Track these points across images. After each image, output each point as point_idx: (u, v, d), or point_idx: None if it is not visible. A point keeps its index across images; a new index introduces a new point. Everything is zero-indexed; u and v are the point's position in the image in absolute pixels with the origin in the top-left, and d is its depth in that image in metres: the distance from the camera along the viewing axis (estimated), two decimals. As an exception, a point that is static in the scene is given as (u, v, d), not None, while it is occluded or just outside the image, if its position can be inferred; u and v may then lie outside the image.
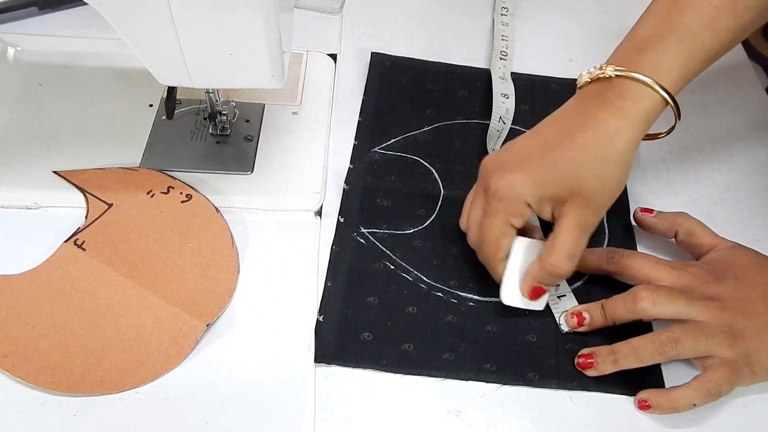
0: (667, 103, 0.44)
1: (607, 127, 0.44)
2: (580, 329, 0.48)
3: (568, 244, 0.45)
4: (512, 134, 0.61)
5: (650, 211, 0.52)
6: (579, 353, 0.47)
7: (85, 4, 0.42)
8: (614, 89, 0.45)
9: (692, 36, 0.45)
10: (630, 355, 0.45)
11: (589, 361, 0.46)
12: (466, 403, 0.45)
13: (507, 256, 0.47)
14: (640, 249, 0.54)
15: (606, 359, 0.46)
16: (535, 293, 0.47)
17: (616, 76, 0.45)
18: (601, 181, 0.44)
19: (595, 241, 0.54)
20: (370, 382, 0.46)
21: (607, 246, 0.54)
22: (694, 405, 0.44)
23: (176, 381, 0.45)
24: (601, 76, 0.45)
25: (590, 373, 0.46)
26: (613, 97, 0.45)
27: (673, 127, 0.48)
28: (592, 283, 0.51)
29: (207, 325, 0.46)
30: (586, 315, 0.47)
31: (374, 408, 0.45)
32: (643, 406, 0.45)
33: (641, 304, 0.45)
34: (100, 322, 0.46)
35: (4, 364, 0.44)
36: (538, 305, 0.48)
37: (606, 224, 0.55)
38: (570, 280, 0.51)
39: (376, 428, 0.44)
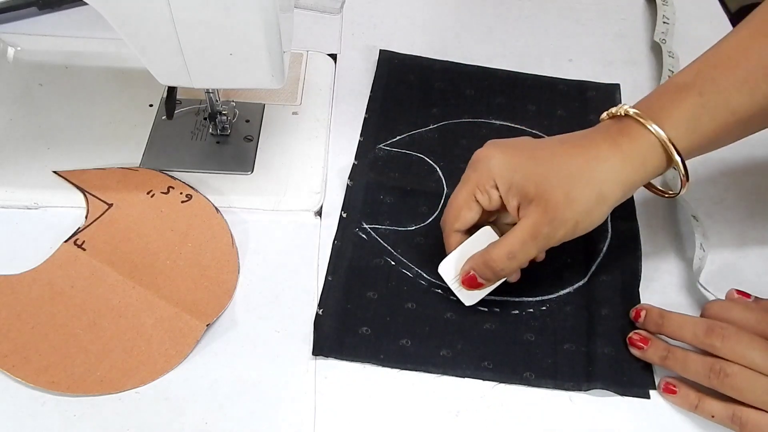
0: (666, 151, 0.43)
1: (598, 153, 0.44)
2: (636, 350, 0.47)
3: (514, 244, 0.45)
4: (513, 134, 0.61)
5: (747, 295, 0.49)
6: (636, 331, 0.47)
7: (85, 4, 0.42)
8: (620, 125, 0.45)
9: (716, 92, 0.43)
10: (679, 363, 0.45)
11: (641, 343, 0.46)
12: (466, 403, 0.45)
13: (467, 233, 0.48)
14: (645, 251, 0.53)
15: (656, 352, 0.46)
16: (469, 281, 0.47)
17: (626, 114, 0.45)
18: (567, 197, 0.43)
19: (596, 242, 0.54)
20: (370, 383, 0.46)
21: (608, 246, 0.53)
22: (713, 417, 0.44)
23: (176, 381, 0.45)
24: (618, 113, 0.45)
25: (633, 352, 0.47)
26: (615, 131, 0.45)
27: (680, 190, 0.46)
28: (592, 282, 0.51)
29: (207, 325, 0.46)
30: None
31: (374, 408, 0.45)
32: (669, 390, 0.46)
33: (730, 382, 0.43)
34: (100, 322, 0.46)
35: (4, 364, 0.44)
36: (466, 297, 0.48)
37: (609, 224, 0.55)
38: (572, 279, 0.51)
39: (376, 428, 0.44)
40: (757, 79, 0.43)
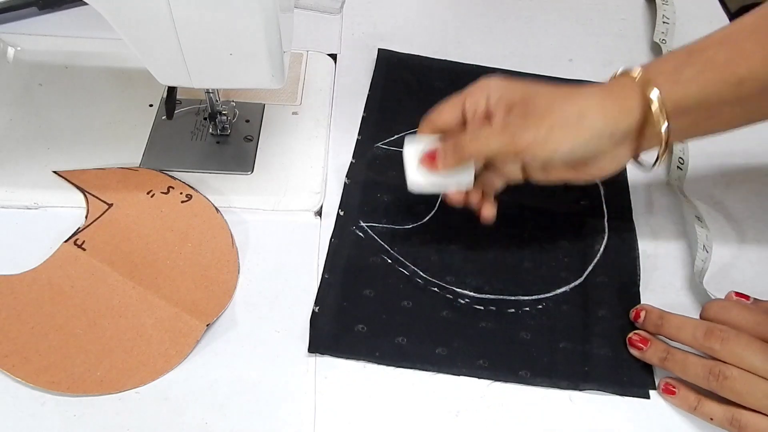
0: (644, 93, 0.43)
1: (593, 91, 0.45)
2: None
3: (483, 130, 0.45)
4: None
5: (746, 297, 0.48)
6: (635, 331, 0.47)
7: (85, 4, 0.42)
8: (622, 79, 0.45)
9: (712, 60, 0.43)
10: (678, 365, 0.45)
11: (640, 344, 0.47)
12: (466, 403, 0.45)
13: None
14: (645, 251, 0.53)
15: (656, 353, 0.46)
16: (429, 158, 0.47)
17: (624, 71, 0.46)
18: (548, 105, 0.44)
19: (593, 243, 0.54)
20: (370, 383, 0.46)
21: (605, 246, 0.53)
22: (711, 419, 0.44)
23: (176, 381, 0.45)
24: (625, 71, 0.46)
25: (633, 353, 0.47)
26: (617, 84, 0.45)
27: (657, 159, 0.46)
28: (590, 283, 0.51)
29: (207, 325, 0.46)
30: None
31: (374, 408, 0.45)
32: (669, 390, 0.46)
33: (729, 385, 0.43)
34: (100, 322, 0.46)
35: (4, 364, 0.44)
36: (414, 177, 0.48)
37: (606, 225, 0.55)
38: (568, 278, 0.51)
39: (376, 428, 0.44)
40: (755, 55, 0.42)
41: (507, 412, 0.45)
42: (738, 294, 0.49)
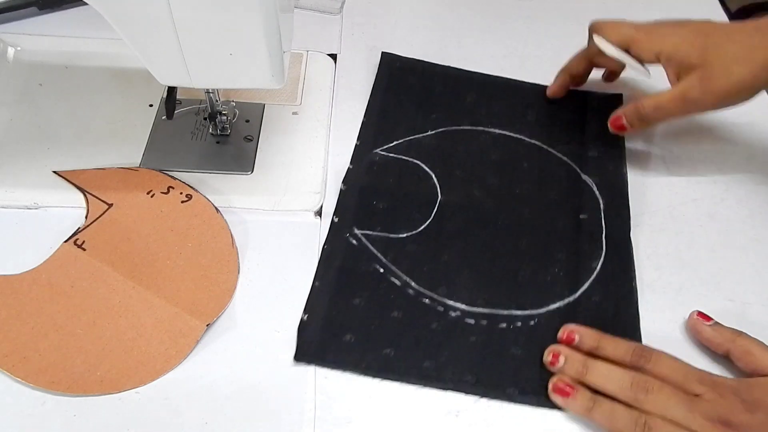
0: None
1: (763, 37, 0.50)
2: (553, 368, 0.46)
3: (663, 98, 0.53)
4: (511, 143, 0.60)
5: (707, 318, 0.48)
6: (560, 377, 0.45)
7: (85, 4, 0.42)
8: None
9: None
10: (605, 415, 0.43)
11: (567, 390, 0.44)
12: (465, 403, 0.45)
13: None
14: (637, 260, 0.52)
15: (582, 402, 0.44)
16: (615, 122, 0.57)
17: None
18: (726, 68, 0.50)
19: (590, 257, 0.52)
20: (371, 382, 0.46)
21: (604, 260, 0.52)
22: None
23: (176, 381, 0.45)
24: None
25: (556, 401, 0.45)
26: None
27: None
28: (584, 302, 0.50)
29: (207, 325, 0.46)
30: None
31: (374, 408, 0.45)
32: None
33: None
34: (100, 322, 0.46)
35: (4, 364, 0.44)
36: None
37: (604, 243, 0.53)
38: (562, 294, 0.50)
39: (376, 428, 0.44)
40: None
41: (507, 413, 0.45)
42: (700, 314, 0.48)
